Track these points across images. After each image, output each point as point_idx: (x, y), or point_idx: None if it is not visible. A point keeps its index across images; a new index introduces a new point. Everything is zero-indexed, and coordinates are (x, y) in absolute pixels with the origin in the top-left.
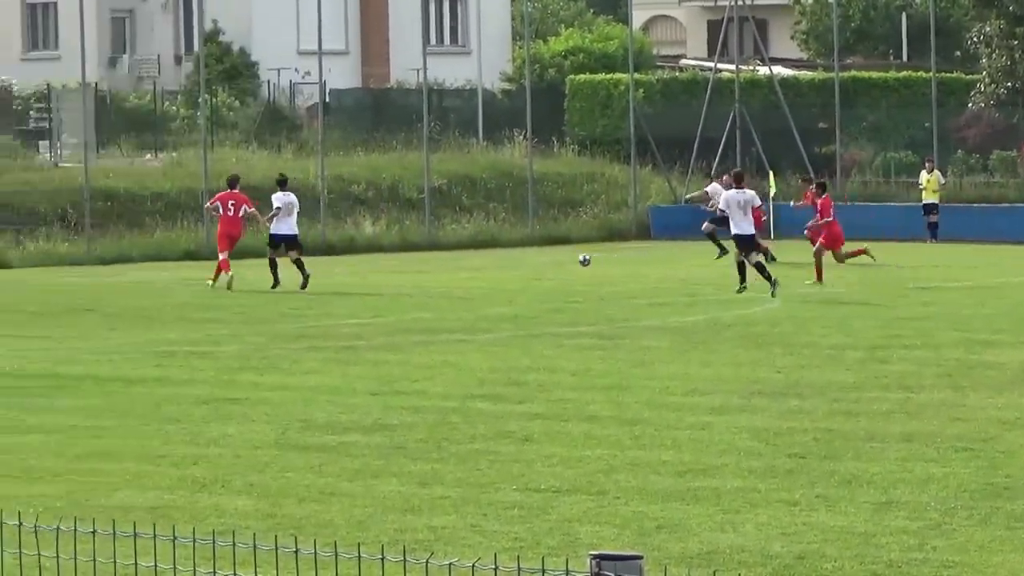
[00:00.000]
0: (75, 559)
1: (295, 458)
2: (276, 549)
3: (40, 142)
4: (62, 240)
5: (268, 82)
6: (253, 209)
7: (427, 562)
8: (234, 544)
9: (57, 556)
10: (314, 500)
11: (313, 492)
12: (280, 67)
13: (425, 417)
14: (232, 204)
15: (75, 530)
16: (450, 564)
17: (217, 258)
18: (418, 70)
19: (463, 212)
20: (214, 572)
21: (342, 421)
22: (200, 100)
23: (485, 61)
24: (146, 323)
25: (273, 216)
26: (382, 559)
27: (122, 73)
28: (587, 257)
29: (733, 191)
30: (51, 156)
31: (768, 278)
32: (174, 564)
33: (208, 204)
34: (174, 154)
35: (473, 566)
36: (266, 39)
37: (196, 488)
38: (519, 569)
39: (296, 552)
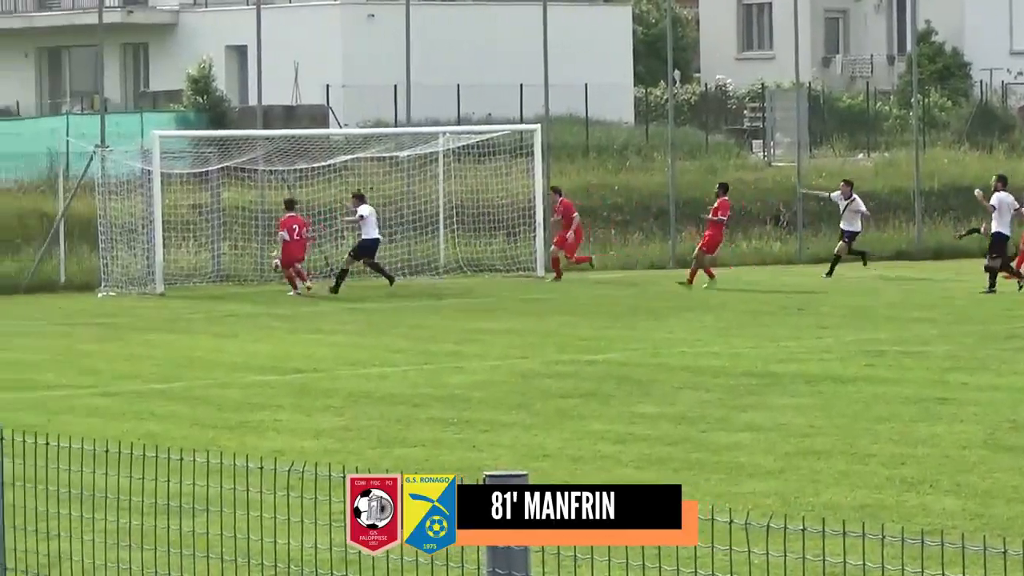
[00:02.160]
0: (784, 556)
1: (1004, 459)
2: (984, 550)
3: (754, 141)
4: (774, 239)
5: (980, 82)
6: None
7: None
8: (942, 544)
9: (767, 553)
10: (1022, 501)
11: (1021, 493)
12: (992, 67)
13: None
14: None
15: (784, 528)
16: None
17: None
18: None
19: None
20: (921, 571)
21: None
22: (912, 100)
23: None
24: (857, 322)
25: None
26: None
27: (835, 73)
28: None
29: (1003, 192)
30: (764, 155)
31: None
32: (882, 563)
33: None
34: (886, 154)
35: None
36: (979, 39)
37: (904, 488)
38: None
39: (1004, 553)
